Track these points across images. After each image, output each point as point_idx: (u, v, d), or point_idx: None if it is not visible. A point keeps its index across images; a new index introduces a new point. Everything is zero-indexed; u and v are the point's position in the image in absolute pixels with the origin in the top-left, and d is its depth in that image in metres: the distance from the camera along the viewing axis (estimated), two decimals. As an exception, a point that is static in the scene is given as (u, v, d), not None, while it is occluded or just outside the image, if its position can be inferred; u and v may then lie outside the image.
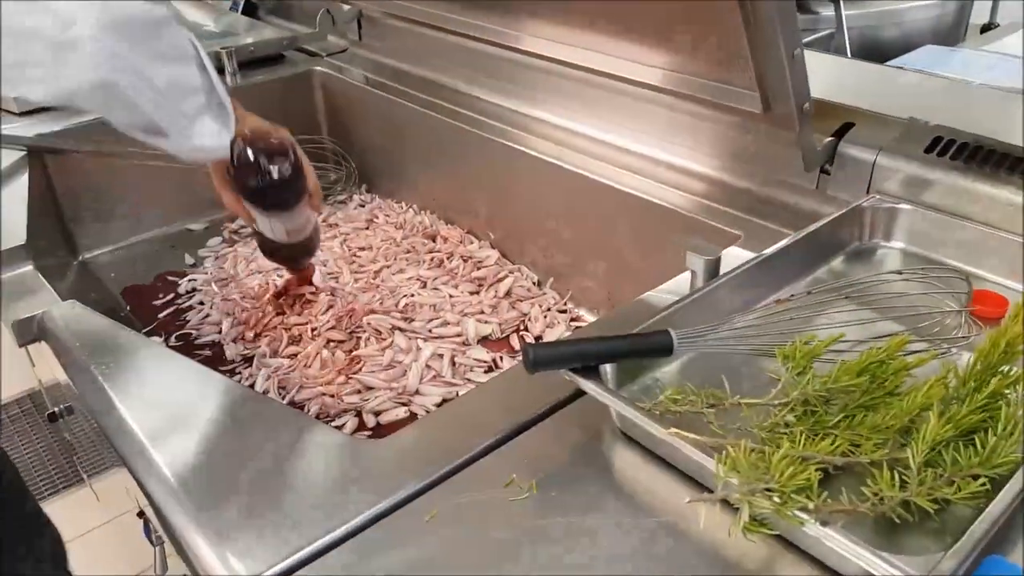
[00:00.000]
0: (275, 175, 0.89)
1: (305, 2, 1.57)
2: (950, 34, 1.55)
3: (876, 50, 1.42)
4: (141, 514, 0.86)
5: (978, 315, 0.70)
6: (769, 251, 0.74)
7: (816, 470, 0.49)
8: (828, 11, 1.37)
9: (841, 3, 1.35)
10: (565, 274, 1.15)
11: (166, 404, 0.67)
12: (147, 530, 0.87)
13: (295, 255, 1.08)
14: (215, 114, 0.82)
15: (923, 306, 0.67)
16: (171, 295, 1.22)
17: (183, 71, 0.78)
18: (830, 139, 0.86)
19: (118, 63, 0.71)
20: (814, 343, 0.59)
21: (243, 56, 1.43)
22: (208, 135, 0.81)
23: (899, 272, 0.69)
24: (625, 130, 1.07)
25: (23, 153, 1.16)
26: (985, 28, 1.63)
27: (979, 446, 0.51)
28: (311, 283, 1.16)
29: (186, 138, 0.80)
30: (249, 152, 0.87)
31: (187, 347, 1.10)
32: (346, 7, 1.48)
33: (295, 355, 1.04)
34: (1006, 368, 0.57)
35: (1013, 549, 0.49)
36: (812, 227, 0.78)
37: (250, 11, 1.70)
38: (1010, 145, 0.77)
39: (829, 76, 0.96)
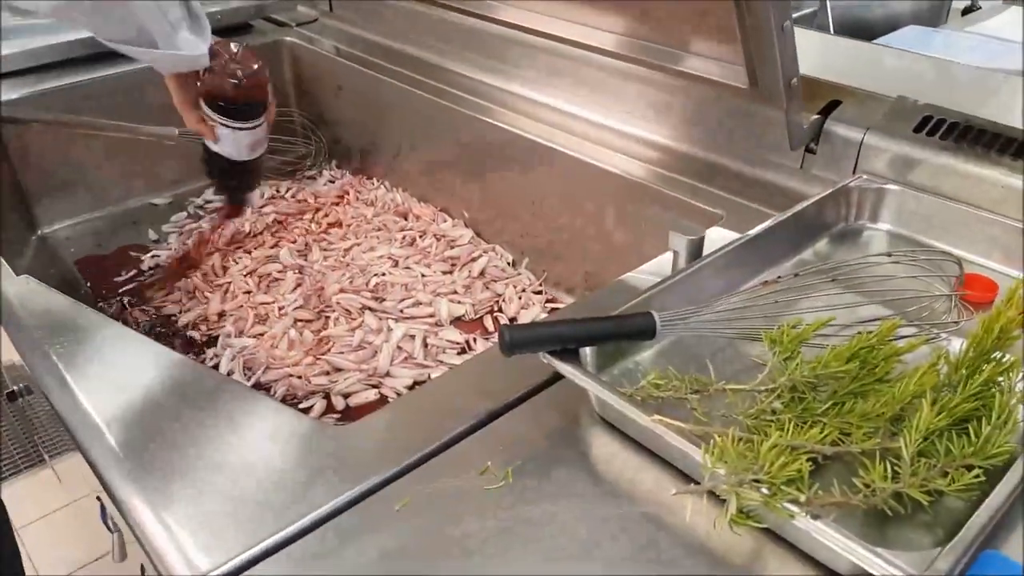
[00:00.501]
0: (247, 77, 0.95)
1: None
2: (932, 15, 1.54)
3: (859, 29, 1.40)
4: (99, 498, 0.82)
5: (967, 300, 0.68)
6: (753, 232, 0.72)
7: (806, 460, 0.47)
8: (812, -12, 1.35)
9: (825, -20, 1.32)
10: (541, 254, 1.12)
11: (124, 387, 0.64)
12: (104, 516, 0.83)
13: (244, 181, 1.12)
14: (191, 25, 0.89)
15: (912, 290, 0.66)
16: (133, 271, 1.17)
17: None
18: (816, 117, 0.83)
19: None
20: (802, 327, 0.57)
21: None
22: (189, 44, 0.89)
23: (888, 255, 0.67)
24: (606, 107, 1.03)
25: (-23, 123, 1.10)
26: (967, 10, 1.63)
27: (973, 435, 0.50)
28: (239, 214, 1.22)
29: (172, 46, 0.87)
30: (224, 57, 0.93)
31: (146, 327, 1.05)
32: (317, -25, 1.43)
33: (261, 335, 1.00)
34: (999, 355, 0.56)
35: (1009, 544, 0.47)
36: (797, 207, 0.76)
37: (217, -23, 1.63)
38: (1001, 125, 0.76)
39: (815, 53, 0.93)
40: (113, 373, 0.66)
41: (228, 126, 0.99)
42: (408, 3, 1.24)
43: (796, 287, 0.63)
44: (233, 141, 1.01)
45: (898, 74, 0.90)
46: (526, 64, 1.12)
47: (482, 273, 1.11)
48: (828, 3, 1.33)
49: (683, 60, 0.84)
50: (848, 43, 1.02)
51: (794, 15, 1.32)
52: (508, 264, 1.14)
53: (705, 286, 0.67)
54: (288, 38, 1.42)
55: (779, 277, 0.64)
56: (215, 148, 1.02)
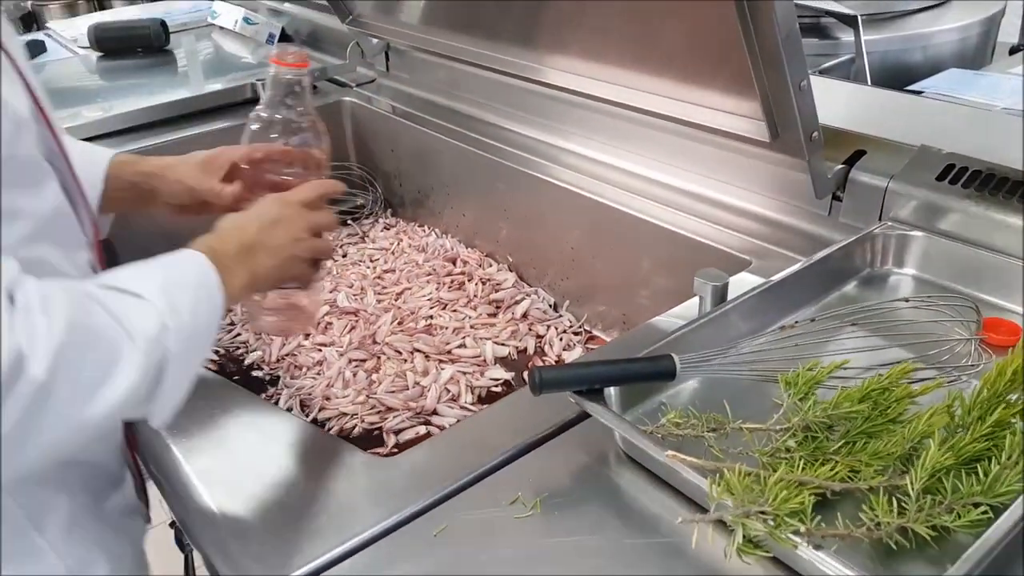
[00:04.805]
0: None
1: (336, 35, 1.62)
2: (976, 56, 1.53)
3: (900, 73, 1.40)
4: (173, 524, 0.90)
5: (990, 343, 0.70)
6: (776, 277, 0.75)
7: (814, 495, 0.50)
8: (849, 36, 1.37)
9: (860, 29, 1.35)
10: (581, 297, 1.16)
11: (202, 422, 0.71)
12: (179, 539, 0.92)
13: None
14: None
15: (932, 334, 0.68)
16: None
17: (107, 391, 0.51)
18: (841, 166, 0.86)
19: None
20: (817, 370, 0.60)
21: (276, 86, 1.47)
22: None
23: (906, 300, 0.70)
24: (641, 158, 1.08)
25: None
26: (1015, 49, 1.60)
27: (981, 474, 0.52)
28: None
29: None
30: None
31: (217, 366, 1.13)
32: (375, 40, 1.53)
33: (319, 375, 1.06)
34: (1013, 397, 0.57)
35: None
36: (822, 253, 0.78)
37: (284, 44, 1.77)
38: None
39: (844, 103, 0.97)
40: (190, 408, 0.73)
41: None
42: (459, 64, 1.32)
43: (815, 331, 0.66)
44: None
45: (924, 122, 0.92)
46: (569, 121, 1.18)
47: (525, 315, 1.16)
48: (864, 50, 1.35)
49: (711, 115, 0.88)
50: (877, 92, 1.04)
51: (831, 63, 1.36)
52: (549, 307, 1.19)
53: (728, 329, 0.71)
54: (348, 98, 1.52)
55: (796, 322, 0.67)
56: None
